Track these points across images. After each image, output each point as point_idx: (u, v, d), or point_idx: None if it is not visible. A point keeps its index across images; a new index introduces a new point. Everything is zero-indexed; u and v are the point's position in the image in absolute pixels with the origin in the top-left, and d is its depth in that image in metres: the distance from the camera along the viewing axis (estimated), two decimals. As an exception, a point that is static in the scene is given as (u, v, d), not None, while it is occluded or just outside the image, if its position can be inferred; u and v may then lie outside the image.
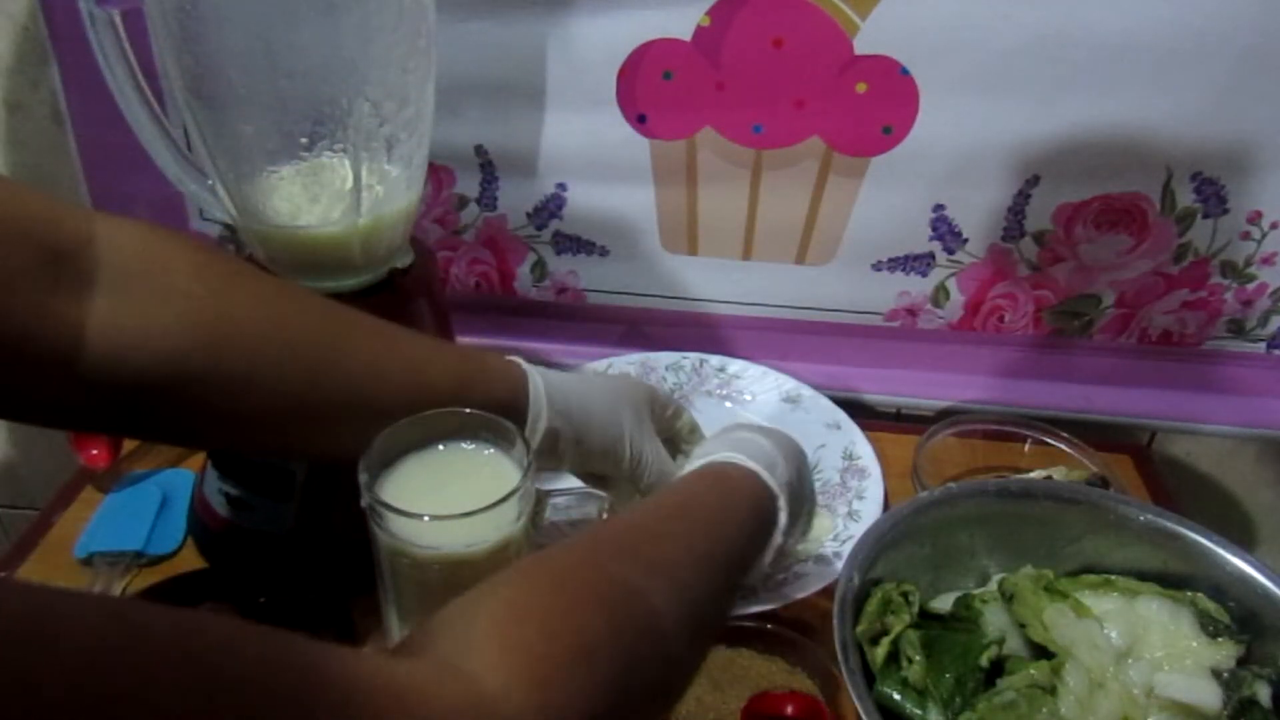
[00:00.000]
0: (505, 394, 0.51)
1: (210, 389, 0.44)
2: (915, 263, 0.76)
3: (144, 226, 0.44)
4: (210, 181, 0.56)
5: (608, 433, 0.54)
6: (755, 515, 0.47)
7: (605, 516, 0.51)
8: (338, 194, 0.55)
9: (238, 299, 0.45)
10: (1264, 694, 0.49)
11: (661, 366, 0.82)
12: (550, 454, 0.53)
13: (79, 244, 0.41)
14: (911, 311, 0.79)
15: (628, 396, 0.57)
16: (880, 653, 0.50)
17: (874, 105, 0.68)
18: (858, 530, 0.65)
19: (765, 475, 0.48)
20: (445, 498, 0.47)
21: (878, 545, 0.53)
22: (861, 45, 0.66)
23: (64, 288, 0.40)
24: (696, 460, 0.50)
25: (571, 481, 0.59)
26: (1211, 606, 0.52)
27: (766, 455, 0.49)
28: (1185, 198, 0.70)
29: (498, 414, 0.49)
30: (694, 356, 0.82)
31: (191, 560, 0.66)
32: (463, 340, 0.69)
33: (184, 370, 0.43)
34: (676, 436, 0.62)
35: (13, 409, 0.42)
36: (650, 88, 0.70)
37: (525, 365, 0.53)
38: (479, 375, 0.51)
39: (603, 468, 0.55)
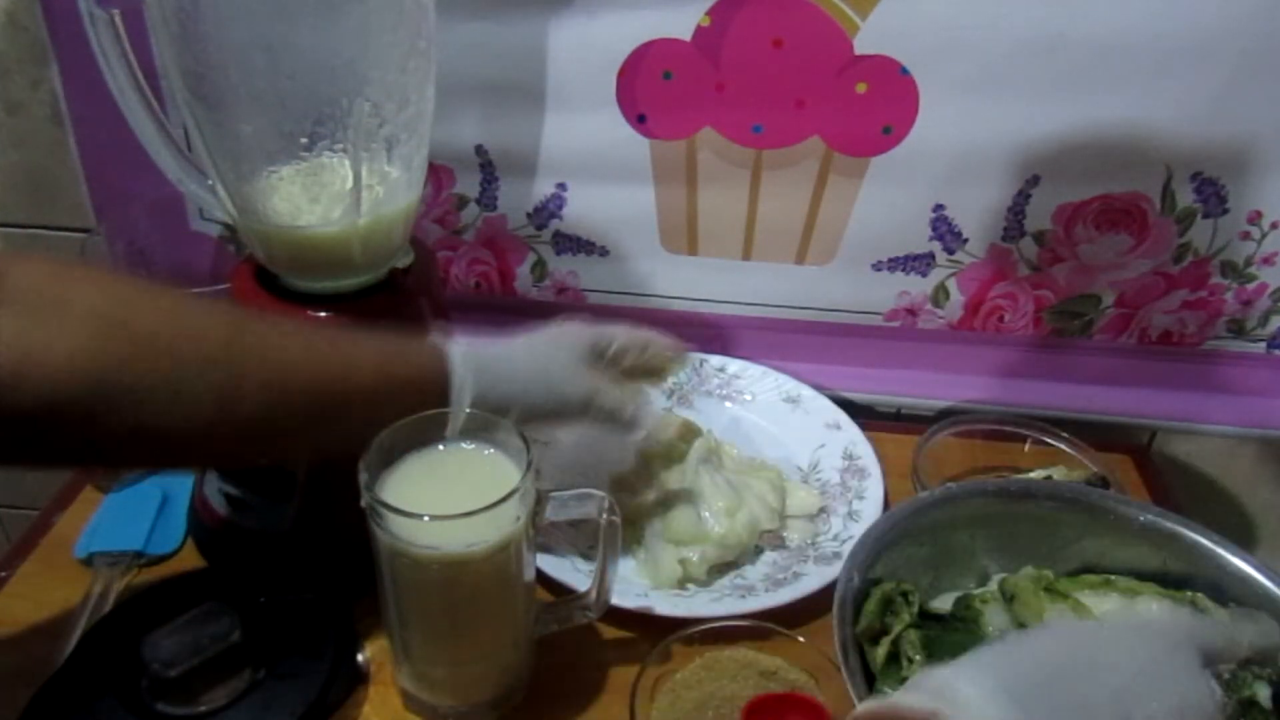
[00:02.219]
0: (428, 370, 0.52)
1: (125, 404, 0.43)
2: (915, 263, 0.76)
3: (51, 258, 0.44)
4: (210, 181, 0.56)
5: (537, 383, 0.55)
6: None
7: (604, 516, 0.51)
8: (338, 194, 0.55)
9: (147, 313, 0.45)
10: (1264, 694, 0.49)
11: (661, 366, 0.82)
12: (495, 412, 0.53)
13: None
14: (911, 311, 0.79)
15: (560, 346, 0.58)
16: (880, 653, 0.50)
17: (874, 105, 0.68)
18: (858, 530, 0.65)
19: None
20: (445, 498, 0.48)
21: (878, 545, 0.53)
22: (861, 45, 0.66)
23: None
24: None
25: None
26: (1211, 606, 0.52)
27: None
28: (1185, 198, 0.70)
29: (422, 390, 0.51)
30: (694, 356, 0.82)
31: (191, 560, 0.66)
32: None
33: (99, 385, 0.42)
34: (646, 366, 0.62)
35: None
36: (650, 88, 0.70)
37: (444, 340, 0.54)
38: (398, 357, 0.52)
39: (551, 417, 0.56)
